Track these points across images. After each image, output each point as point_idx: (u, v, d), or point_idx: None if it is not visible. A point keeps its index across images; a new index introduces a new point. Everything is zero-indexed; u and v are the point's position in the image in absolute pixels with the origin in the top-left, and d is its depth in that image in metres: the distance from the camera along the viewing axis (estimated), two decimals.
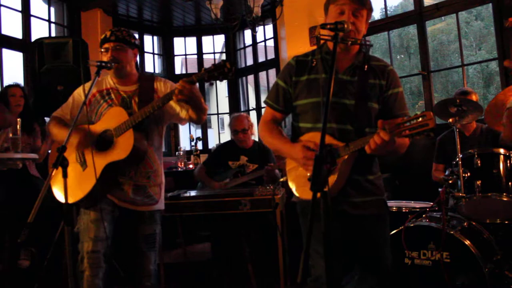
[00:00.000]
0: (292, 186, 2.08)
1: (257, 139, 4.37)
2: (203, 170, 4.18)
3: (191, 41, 7.32)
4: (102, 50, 2.49)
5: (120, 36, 2.50)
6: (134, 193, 2.45)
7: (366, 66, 2.00)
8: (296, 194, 2.06)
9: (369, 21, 2.06)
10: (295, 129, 2.14)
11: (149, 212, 2.51)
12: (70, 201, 2.26)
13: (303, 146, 1.90)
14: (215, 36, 7.27)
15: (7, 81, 4.45)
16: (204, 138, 7.11)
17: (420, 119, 1.62)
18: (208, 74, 2.19)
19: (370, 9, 2.01)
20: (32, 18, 5.35)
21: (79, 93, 2.60)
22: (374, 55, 2.16)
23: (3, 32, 4.96)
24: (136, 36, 6.88)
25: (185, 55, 7.49)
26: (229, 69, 2.16)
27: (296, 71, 2.08)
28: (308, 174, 1.83)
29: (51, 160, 2.64)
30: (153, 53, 7.15)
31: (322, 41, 2.00)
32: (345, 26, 1.69)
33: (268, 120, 2.17)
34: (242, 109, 7.12)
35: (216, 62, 2.26)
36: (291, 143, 2.03)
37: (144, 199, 2.49)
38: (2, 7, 4.95)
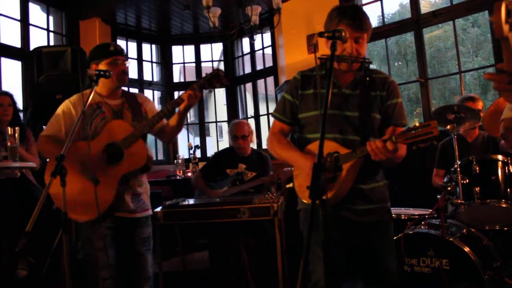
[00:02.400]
0: (298, 190, 2.15)
1: (255, 147, 4.36)
2: (199, 178, 4.16)
3: (189, 49, 7.36)
4: (110, 61, 2.51)
5: (123, 51, 2.60)
6: (132, 202, 2.53)
7: (368, 79, 2.07)
8: (301, 197, 2.12)
9: None
10: (300, 140, 2.20)
11: (145, 217, 2.61)
12: (90, 218, 2.36)
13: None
14: (213, 44, 7.29)
15: (5, 90, 4.44)
16: (203, 146, 7.11)
17: (426, 127, 1.69)
18: (207, 82, 2.46)
19: (370, 29, 2.06)
20: (31, 27, 5.37)
21: (68, 107, 2.57)
22: (374, 68, 2.21)
23: (2, 41, 4.97)
24: (134, 44, 6.94)
25: (183, 63, 7.50)
26: (224, 74, 2.45)
27: (301, 85, 2.15)
28: None
29: (48, 170, 2.63)
30: (151, 62, 7.17)
31: (320, 61, 2.04)
32: (343, 34, 1.71)
33: (276, 131, 2.25)
34: (240, 117, 7.12)
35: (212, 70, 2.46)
36: (301, 153, 2.09)
37: (141, 205, 2.59)
38: (0, 16, 4.96)
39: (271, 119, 6.59)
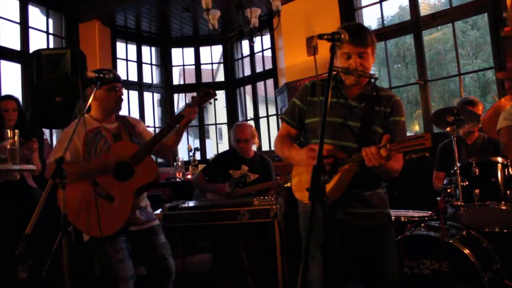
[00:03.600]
0: (294, 190, 2.21)
1: (256, 149, 4.36)
2: (201, 177, 4.16)
3: (189, 51, 7.36)
4: (109, 86, 2.63)
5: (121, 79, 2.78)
6: (141, 215, 2.69)
7: (374, 94, 2.14)
8: (296, 196, 2.19)
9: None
10: (304, 146, 2.24)
11: (157, 225, 2.79)
12: (108, 233, 2.44)
13: (309, 148, 2.02)
14: (212, 47, 7.30)
15: (5, 93, 4.43)
16: (202, 149, 7.11)
17: (419, 139, 1.75)
18: (201, 99, 2.75)
19: (373, 44, 2.12)
20: (30, 30, 5.37)
21: (70, 133, 2.58)
22: (382, 86, 2.29)
23: (1, 43, 4.98)
24: (134, 47, 6.96)
25: (183, 65, 7.51)
26: (214, 93, 2.79)
27: (311, 92, 2.25)
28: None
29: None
30: (151, 64, 7.18)
31: (334, 72, 2.12)
32: (342, 36, 1.72)
33: (282, 134, 2.34)
34: (240, 119, 7.13)
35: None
36: (299, 150, 2.16)
37: (150, 216, 2.76)
38: (0, 19, 4.97)
39: (271, 121, 6.64)
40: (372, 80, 2.17)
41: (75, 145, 2.58)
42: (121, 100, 2.74)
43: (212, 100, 2.82)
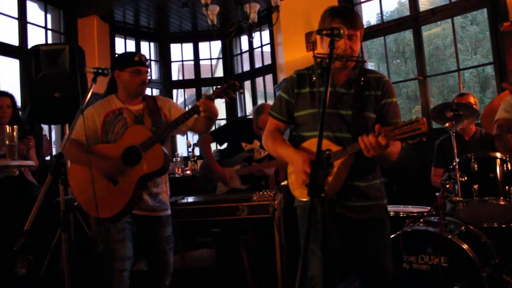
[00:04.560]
0: (292, 188, 2.16)
1: None
2: (208, 143, 4.14)
3: (188, 47, 7.34)
4: (133, 70, 2.64)
5: (146, 62, 2.73)
6: (152, 201, 2.66)
7: (362, 79, 2.09)
8: (295, 194, 2.15)
9: (365, 27, 2.12)
10: (296, 139, 2.23)
11: (165, 216, 2.75)
12: (106, 215, 2.48)
13: (308, 158, 1.92)
14: (211, 42, 7.30)
15: (3, 88, 4.42)
16: None
17: (414, 124, 1.70)
18: (224, 92, 2.63)
19: (362, 28, 2.10)
20: (29, 25, 5.36)
21: (90, 112, 2.66)
22: (369, 68, 2.24)
23: (0, 39, 4.96)
24: (133, 42, 6.93)
25: (182, 61, 7.50)
26: (240, 86, 2.65)
27: (297, 83, 2.18)
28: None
29: (70, 174, 2.66)
30: (150, 60, 7.15)
31: (319, 59, 2.08)
32: (341, 31, 1.71)
33: (271, 129, 2.27)
34: (239, 115, 7.13)
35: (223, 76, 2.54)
36: (295, 149, 2.10)
37: (160, 205, 2.71)
38: None
39: None
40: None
41: (94, 124, 2.61)
42: (145, 84, 2.72)
43: (237, 93, 2.76)
